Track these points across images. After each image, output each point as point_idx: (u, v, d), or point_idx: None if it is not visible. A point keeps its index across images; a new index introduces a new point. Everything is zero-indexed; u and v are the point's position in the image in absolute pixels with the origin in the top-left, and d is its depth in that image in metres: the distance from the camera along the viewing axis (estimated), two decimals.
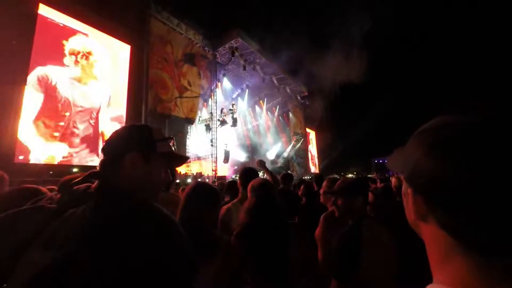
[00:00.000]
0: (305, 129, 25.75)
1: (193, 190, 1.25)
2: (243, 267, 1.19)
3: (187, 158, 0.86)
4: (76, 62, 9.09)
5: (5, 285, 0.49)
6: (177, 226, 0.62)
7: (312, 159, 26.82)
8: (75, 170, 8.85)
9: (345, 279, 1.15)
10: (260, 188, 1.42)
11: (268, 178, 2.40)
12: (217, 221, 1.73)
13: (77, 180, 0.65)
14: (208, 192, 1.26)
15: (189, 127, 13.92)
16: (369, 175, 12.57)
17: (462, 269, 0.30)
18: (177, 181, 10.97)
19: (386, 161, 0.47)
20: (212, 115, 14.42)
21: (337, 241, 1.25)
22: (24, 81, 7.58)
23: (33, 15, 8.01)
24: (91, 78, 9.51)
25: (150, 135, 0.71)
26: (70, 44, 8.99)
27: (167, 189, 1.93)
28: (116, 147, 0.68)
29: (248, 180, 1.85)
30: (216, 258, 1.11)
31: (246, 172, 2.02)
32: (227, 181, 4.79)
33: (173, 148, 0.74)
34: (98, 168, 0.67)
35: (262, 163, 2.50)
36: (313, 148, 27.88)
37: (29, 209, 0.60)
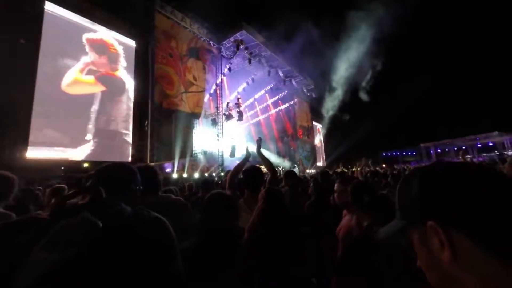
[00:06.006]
0: (312, 122, 25.50)
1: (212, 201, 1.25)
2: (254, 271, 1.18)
3: None
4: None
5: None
6: (167, 224, 0.76)
7: (318, 152, 26.63)
8: (85, 165, 9.06)
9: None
10: (270, 196, 1.38)
11: (266, 169, 2.31)
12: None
13: (69, 194, 0.73)
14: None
15: (195, 121, 13.97)
16: (377, 168, 12.35)
17: None
18: (185, 175, 11.12)
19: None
20: (217, 109, 14.41)
21: (346, 247, 1.23)
22: (33, 78, 7.72)
23: (40, 13, 8.09)
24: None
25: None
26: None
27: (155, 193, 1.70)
28: (126, 181, 0.96)
29: (253, 180, 1.85)
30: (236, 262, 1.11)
31: (251, 172, 1.93)
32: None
33: None
34: (91, 187, 0.78)
35: (259, 148, 2.31)
36: (319, 141, 27.65)
37: (27, 219, 0.67)
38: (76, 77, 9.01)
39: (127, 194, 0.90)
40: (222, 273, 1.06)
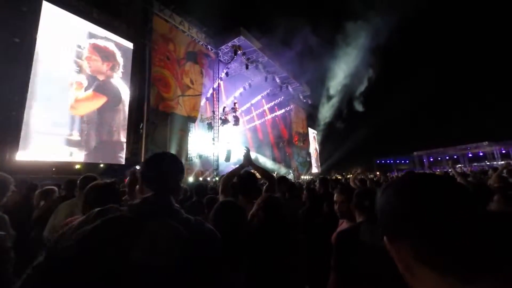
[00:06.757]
0: (307, 128, 25.67)
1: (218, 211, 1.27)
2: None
3: None
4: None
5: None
6: (220, 237, 0.83)
7: (313, 158, 26.74)
8: (77, 167, 8.91)
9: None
10: (269, 204, 1.44)
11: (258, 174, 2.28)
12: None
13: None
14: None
15: (191, 125, 13.93)
16: (371, 175, 12.47)
17: None
18: None
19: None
20: (214, 113, 14.42)
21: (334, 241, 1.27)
22: (27, 78, 7.61)
23: (37, 12, 8.04)
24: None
25: None
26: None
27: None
28: (178, 180, 0.87)
29: (248, 186, 1.89)
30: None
31: (246, 177, 1.96)
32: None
33: None
34: (157, 189, 0.78)
35: (248, 156, 2.04)
36: (314, 148, 27.78)
37: (116, 218, 0.69)
38: (76, 96, 8.89)
39: (177, 194, 0.83)
40: (227, 275, 1.08)
